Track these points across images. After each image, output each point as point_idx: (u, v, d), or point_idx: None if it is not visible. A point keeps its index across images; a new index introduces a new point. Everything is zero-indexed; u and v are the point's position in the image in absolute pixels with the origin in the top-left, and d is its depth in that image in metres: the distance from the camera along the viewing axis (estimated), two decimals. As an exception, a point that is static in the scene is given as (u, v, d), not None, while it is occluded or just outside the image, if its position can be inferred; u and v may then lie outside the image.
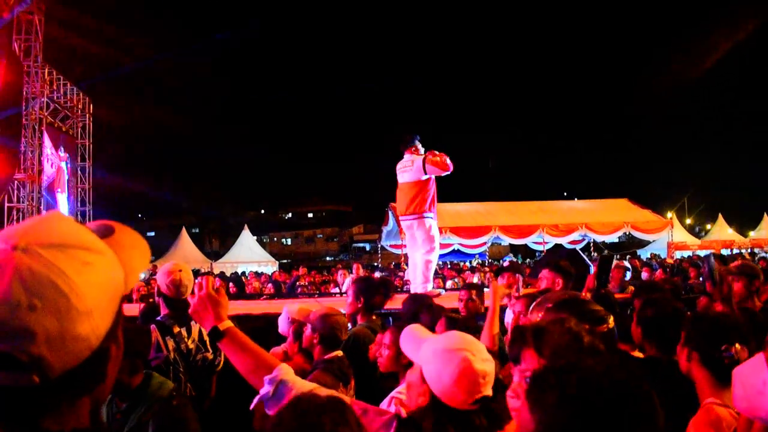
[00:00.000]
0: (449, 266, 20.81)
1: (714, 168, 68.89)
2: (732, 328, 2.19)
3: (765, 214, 33.02)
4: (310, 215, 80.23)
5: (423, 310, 4.00)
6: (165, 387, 2.82)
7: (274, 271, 23.50)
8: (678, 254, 24.55)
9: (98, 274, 0.82)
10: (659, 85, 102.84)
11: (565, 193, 41.06)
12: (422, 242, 7.07)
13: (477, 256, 28.70)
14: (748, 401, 1.46)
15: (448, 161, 6.83)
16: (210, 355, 3.91)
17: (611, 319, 1.93)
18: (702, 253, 24.21)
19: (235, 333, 1.97)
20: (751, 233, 33.12)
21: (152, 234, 51.00)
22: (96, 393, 0.88)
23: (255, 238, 34.91)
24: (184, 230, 31.50)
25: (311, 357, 3.41)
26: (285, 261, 45.27)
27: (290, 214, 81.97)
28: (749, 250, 24.40)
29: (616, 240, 26.40)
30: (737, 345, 2.08)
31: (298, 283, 14.93)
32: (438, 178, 7.12)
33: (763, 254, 21.49)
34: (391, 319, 4.82)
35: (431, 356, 1.85)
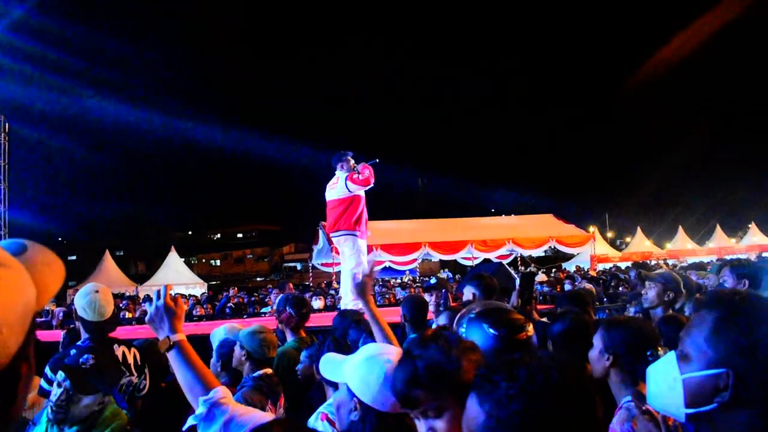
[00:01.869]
0: (380, 282, 20.86)
1: (632, 184, 72.28)
2: (651, 333, 2.35)
3: (680, 227, 34.98)
4: (240, 235, 78.69)
5: (352, 326, 4.03)
6: (118, 420, 2.73)
7: (203, 293, 22.96)
8: (600, 266, 25.57)
9: (8, 290, 0.78)
10: (580, 102, 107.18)
11: (493, 210, 41.96)
12: (349, 257, 7.18)
13: (408, 272, 28.95)
14: (662, 398, 1.54)
15: (368, 174, 6.95)
16: (135, 380, 3.79)
17: (530, 327, 1.99)
18: (623, 264, 25.36)
19: (184, 347, 2.03)
20: (668, 245, 34.95)
21: (74, 258, 48.96)
22: (6, 415, 0.82)
23: (182, 259, 34.11)
24: (107, 253, 30.36)
25: (240, 376, 3.37)
26: (214, 282, 44.30)
27: (219, 235, 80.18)
28: (665, 261, 25.63)
29: (542, 254, 27.17)
30: (659, 348, 2.18)
31: (228, 304, 14.68)
32: (369, 197, 7.22)
33: (681, 265, 22.59)
34: (320, 336, 4.81)
35: (354, 368, 1.83)
